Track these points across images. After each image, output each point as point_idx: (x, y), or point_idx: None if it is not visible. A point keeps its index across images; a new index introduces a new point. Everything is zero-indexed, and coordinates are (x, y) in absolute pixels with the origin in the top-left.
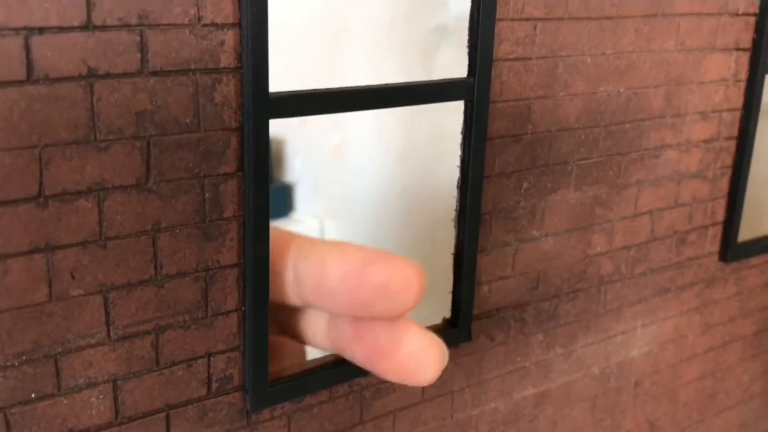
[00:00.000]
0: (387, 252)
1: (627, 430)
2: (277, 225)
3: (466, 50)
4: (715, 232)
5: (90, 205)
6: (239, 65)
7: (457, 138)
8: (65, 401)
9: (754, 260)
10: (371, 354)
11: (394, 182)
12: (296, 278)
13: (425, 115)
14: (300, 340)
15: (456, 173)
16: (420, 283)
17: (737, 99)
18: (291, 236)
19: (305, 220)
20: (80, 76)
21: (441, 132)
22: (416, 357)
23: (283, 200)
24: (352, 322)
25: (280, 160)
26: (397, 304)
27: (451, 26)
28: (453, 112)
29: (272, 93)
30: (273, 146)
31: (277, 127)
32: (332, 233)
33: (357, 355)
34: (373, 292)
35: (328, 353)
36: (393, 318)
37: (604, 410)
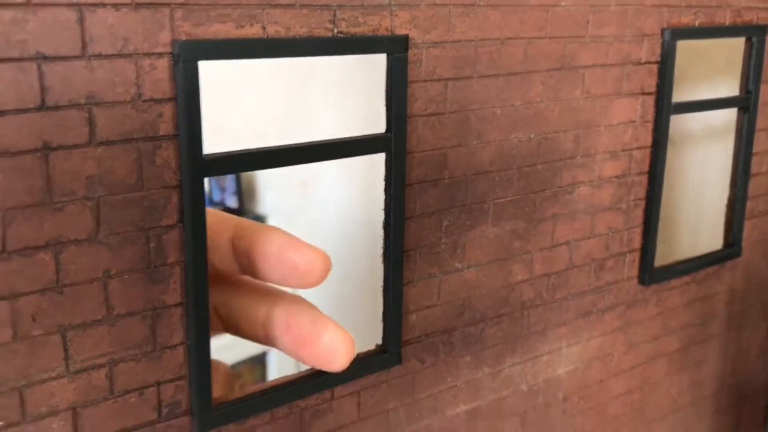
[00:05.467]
0: (301, 240)
1: None
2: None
3: None
4: (633, 259)
5: (48, 258)
6: (176, 132)
7: None
8: (30, 428)
9: (673, 282)
10: (297, 343)
11: (358, 214)
12: (234, 253)
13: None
14: (238, 333)
15: None
16: (322, 265)
17: (646, 138)
18: (230, 218)
19: None
20: (36, 149)
21: None
22: (332, 347)
23: None
24: (283, 316)
25: (252, 192)
26: (305, 281)
27: None
28: None
29: (206, 154)
30: (245, 180)
31: None
32: None
33: (286, 343)
34: (287, 272)
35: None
36: (315, 314)
37: (534, 424)
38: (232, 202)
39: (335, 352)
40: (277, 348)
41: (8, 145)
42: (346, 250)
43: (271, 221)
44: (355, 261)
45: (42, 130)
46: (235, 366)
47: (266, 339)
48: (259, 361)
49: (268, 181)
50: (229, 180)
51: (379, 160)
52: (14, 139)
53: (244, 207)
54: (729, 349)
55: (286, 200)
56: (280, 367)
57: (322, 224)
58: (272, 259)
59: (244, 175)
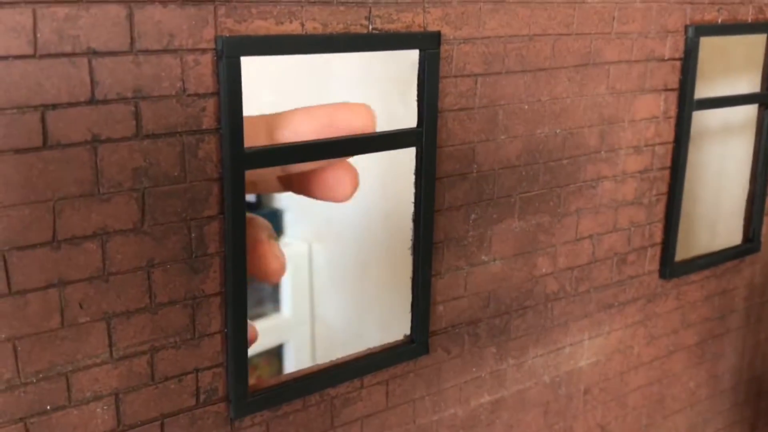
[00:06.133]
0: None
1: None
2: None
3: None
4: (654, 253)
5: (95, 247)
6: (218, 126)
7: None
8: (75, 412)
9: (693, 277)
10: (306, 179)
11: (377, 208)
12: (282, 181)
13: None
14: (254, 189)
15: None
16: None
17: (668, 133)
18: (260, 117)
19: (294, 244)
20: (86, 142)
21: None
22: (336, 175)
23: (273, 225)
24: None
25: None
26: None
27: None
28: None
29: (247, 148)
30: None
31: None
32: (320, 256)
33: (296, 183)
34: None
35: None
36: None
37: (556, 415)
38: (250, 197)
39: (340, 180)
40: (290, 191)
41: (60, 138)
42: (370, 244)
43: (289, 216)
44: (379, 255)
45: (91, 123)
46: (251, 359)
47: (281, 186)
48: (276, 354)
49: None
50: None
51: (400, 156)
52: (65, 132)
53: (263, 203)
54: (747, 344)
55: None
56: (296, 360)
57: (341, 217)
58: (325, 131)
59: None
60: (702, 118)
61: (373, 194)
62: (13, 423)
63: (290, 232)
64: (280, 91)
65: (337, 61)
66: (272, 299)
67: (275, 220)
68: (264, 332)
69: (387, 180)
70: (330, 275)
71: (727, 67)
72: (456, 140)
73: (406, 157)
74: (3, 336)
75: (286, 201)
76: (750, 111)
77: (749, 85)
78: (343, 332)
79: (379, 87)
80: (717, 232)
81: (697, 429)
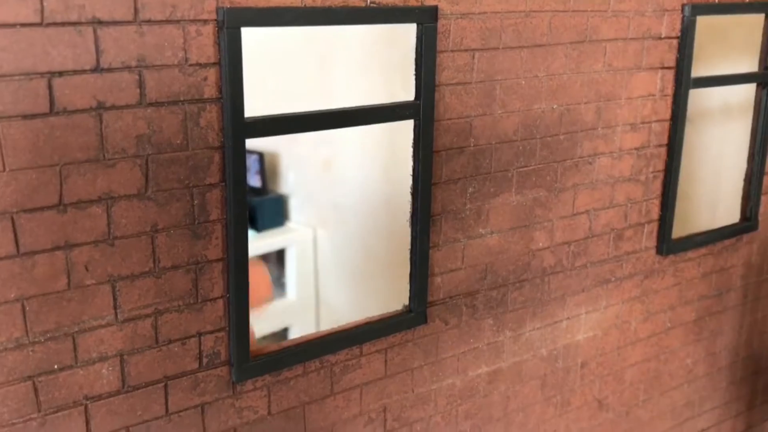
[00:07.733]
0: None
1: (576, 406)
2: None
3: None
4: (651, 229)
5: (100, 211)
6: (220, 96)
7: None
8: (81, 372)
9: (690, 254)
10: None
11: (379, 192)
12: None
13: (405, 130)
14: None
15: None
16: None
17: (665, 111)
18: None
19: (299, 229)
20: (91, 108)
21: None
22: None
23: (278, 210)
24: None
25: (274, 173)
26: None
27: None
28: None
29: (247, 117)
30: (268, 160)
31: (272, 142)
32: (324, 241)
33: None
34: None
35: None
36: None
37: (553, 388)
38: (255, 181)
39: None
40: None
41: (66, 104)
42: (372, 222)
43: (294, 201)
44: (382, 238)
45: (96, 91)
46: (257, 341)
47: None
48: (281, 337)
49: (290, 161)
50: (252, 160)
51: (401, 136)
52: (71, 98)
53: (267, 186)
54: (744, 322)
55: (309, 179)
56: None
57: (345, 201)
58: None
59: (267, 154)
60: (702, 99)
61: (376, 177)
62: (23, 381)
63: (295, 218)
64: (283, 72)
65: (340, 47)
66: (277, 284)
67: (280, 205)
68: (269, 316)
69: (389, 165)
70: (334, 260)
71: (727, 50)
72: (453, 114)
73: (406, 141)
74: (12, 296)
75: (291, 186)
76: (749, 92)
77: (749, 67)
78: (347, 315)
79: (380, 73)
80: (717, 214)
81: (694, 406)
